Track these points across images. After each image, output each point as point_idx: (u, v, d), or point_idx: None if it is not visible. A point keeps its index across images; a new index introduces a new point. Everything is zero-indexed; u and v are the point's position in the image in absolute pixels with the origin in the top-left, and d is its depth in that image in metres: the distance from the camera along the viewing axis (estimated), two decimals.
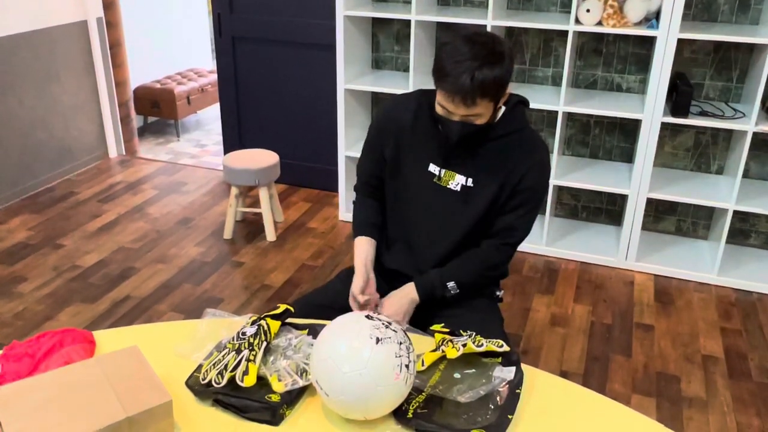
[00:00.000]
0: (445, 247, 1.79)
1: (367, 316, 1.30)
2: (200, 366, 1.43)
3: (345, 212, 3.79)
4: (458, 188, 1.74)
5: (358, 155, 1.95)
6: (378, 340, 1.24)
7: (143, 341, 1.53)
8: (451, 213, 1.76)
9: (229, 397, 1.33)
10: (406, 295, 1.79)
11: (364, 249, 1.84)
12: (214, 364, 1.39)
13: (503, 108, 1.72)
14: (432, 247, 1.81)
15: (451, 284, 1.77)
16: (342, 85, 3.47)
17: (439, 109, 1.64)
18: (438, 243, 1.80)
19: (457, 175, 1.73)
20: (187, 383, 1.39)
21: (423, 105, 1.76)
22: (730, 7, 3.04)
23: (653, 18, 2.99)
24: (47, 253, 3.39)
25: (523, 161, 1.70)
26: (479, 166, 1.72)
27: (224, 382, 1.34)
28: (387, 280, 1.88)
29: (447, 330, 1.52)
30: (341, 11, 3.31)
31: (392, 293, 1.81)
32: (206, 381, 1.36)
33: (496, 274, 1.84)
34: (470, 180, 1.73)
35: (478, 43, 1.53)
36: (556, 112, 3.45)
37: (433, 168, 1.75)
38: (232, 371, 1.36)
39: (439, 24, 3.49)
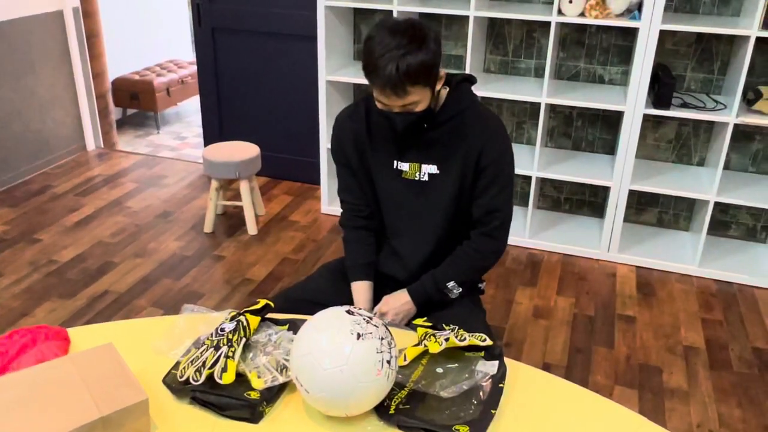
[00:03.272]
0: (430, 240, 1.78)
1: (348, 312, 1.28)
2: (178, 363, 1.40)
3: (327, 205, 3.76)
4: (426, 178, 1.72)
5: None
6: (359, 336, 1.22)
7: (119, 338, 1.49)
8: (425, 204, 1.75)
9: (207, 394, 1.31)
10: (404, 299, 1.78)
11: (362, 297, 1.82)
12: (192, 361, 1.36)
13: (446, 89, 1.70)
14: (417, 243, 1.79)
15: (451, 284, 1.76)
16: (323, 76, 3.43)
17: (378, 104, 1.62)
18: (421, 238, 1.78)
19: (422, 165, 1.72)
20: (164, 381, 1.36)
21: (372, 108, 1.72)
22: None
23: (635, 9, 2.98)
24: (23, 247, 3.32)
25: (478, 137, 1.68)
26: (439, 151, 1.70)
27: (202, 379, 1.31)
28: (378, 284, 1.86)
29: (429, 324, 1.51)
30: (322, 1, 3.27)
31: (388, 296, 1.80)
32: (184, 378, 1.33)
33: (491, 263, 1.81)
34: (434, 167, 1.71)
35: (399, 32, 1.51)
36: (539, 103, 3.44)
37: (397, 164, 1.74)
38: (210, 368, 1.33)
39: (422, 15, 3.47)
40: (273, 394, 1.32)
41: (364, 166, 1.78)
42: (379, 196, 1.79)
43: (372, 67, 1.52)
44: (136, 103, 5.11)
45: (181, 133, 5.19)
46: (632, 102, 3.00)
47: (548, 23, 3.29)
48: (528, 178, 3.64)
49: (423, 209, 1.75)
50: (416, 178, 1.73)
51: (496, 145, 1.69)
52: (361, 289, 1.82)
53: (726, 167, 3.30)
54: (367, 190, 1.82)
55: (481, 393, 1.33)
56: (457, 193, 1.72)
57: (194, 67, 5.50)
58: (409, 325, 1.55)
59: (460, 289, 1.77)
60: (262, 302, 1.51)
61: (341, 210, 1.91)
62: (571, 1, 2.92)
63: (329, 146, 3.57)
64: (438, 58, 1.56)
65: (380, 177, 1.77)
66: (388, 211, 1.80)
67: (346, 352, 1.20)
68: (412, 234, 1.79)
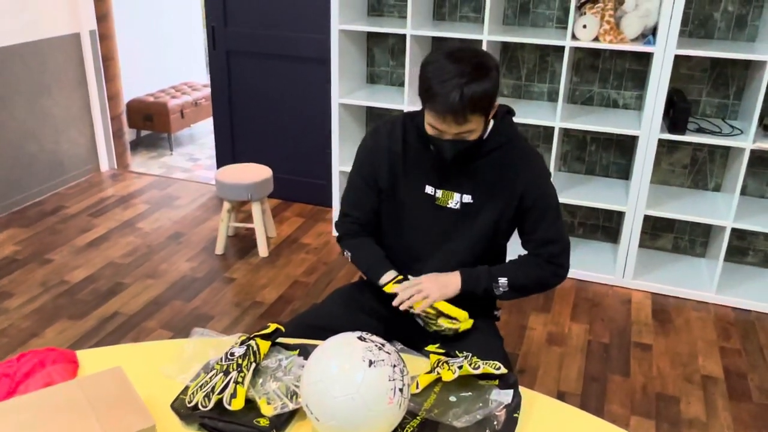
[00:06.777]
0: (453, 268, 1.75)
1: (360, 338, 1.26)
2: (186, 388, 1.38)
3: None
4: (458, 206, 1.70)
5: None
6: (371, 363, 1.19)
7: (128, 361, 1.47)
8: (455, 232, 1.72)
9: (215, 420, 1.28)
10: (450, 277, 1.71)
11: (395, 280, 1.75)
12: (200, 386, 1.34)
13: (492, 121, 1.70)
14: (439, 269, 1.75)
15: (502, 281, 1.70)
16: (336, 99, 3.44)
17: (429, 130, 1.61)
18: (445, 265, 1.75)
19: (455, 193, 1.70)
20: (172, 406, 1.34)
21: (410, 129, 1.72)
22: (727, 24, 3.03)
23: (650, 34, 2.97)
24: (35, 268, 3.33)
25: (522, 174, 1.68)
26: (476, 182, 1.69)
27: (211, 405, 1.29)
28: (391, 307, 1.78)
29: (442, 351, 1.48)
30: (336, 25, 3.29)
31: (436, 274, 1.73)
32: (192, 404, 1.31)
33: (553, 283, 1.77)
34: (469, 197, 1.69)
35: (463, 60, 1.51)
36: (553, 128, 3.42)
37: (429, 189, 1.72)
38: (219, 394, 1.30)
39: (435, 39, 3.47)
40: (283, 421, 1.30)
41: (393, 186, 1.76)
42: (403, 219, 1.77)
43: (432, 92, 1.52)
44: (150, 124, 5.14)
45: (194, 155, 5.21)
46: (647, 127, 2.97)
47: (562, 48, 3.29)
48: None
49: (452, 237, 1.73)
50: (448, 206, 1.71)
51: (540, 182, 1.70)
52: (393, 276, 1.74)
53: (743, 193, 3.26)
54: (389, 212, 1.79)
55: (495, 423, 1.29)
56: (491, 225, 1.71)
57: (208, 90, 5.54)
58: (422, 351, 1.52)
59: (507, 290, 1.72)
60: (273, 326, 1.49)
61: (341, 222, 1.85)
62: (585, 26, 2.92)
63: (341, 169, 3.57)
64: (497, 88, 1.56)
65: (409, 201, 1.74)
66: (413, 234, 1.77)
67: (357, 380, 1.18)
68: (435, 260, 1.76)
